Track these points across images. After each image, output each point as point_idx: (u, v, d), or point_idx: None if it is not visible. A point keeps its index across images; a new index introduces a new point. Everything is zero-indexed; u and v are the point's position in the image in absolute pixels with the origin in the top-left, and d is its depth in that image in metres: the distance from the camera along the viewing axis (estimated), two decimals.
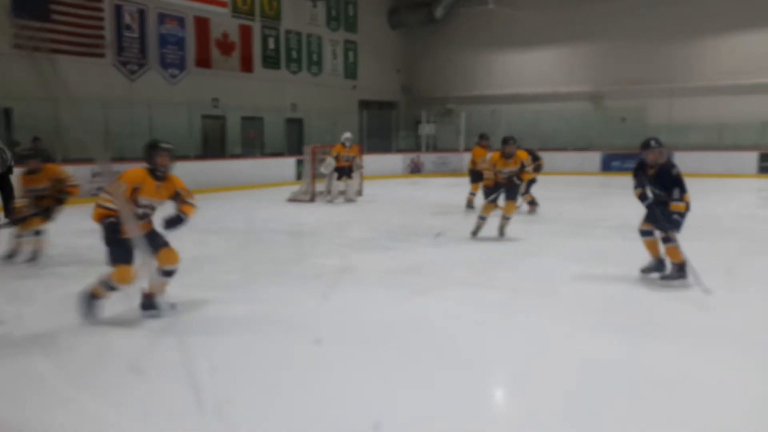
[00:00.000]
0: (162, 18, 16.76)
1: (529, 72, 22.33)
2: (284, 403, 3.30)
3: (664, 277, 5.76)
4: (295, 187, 13.45)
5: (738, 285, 5.68)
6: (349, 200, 12.38)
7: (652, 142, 5.69)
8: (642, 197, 5.78)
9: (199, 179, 13.15)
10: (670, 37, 19.47)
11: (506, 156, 7.78)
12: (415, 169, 20.37)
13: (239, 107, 17.92)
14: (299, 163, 15.63)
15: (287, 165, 16.61)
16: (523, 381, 3.66)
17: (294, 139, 19.15)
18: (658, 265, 5.86)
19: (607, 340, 4.21)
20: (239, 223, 10.10)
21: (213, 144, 17.85)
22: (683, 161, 17.89)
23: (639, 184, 5.80)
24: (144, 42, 16.38)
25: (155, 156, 4.58)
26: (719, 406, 3.24)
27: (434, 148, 21.77)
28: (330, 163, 12.14)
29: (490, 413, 3.32)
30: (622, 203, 12.13)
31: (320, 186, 12.71)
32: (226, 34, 18.38)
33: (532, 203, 10.52)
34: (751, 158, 17.53)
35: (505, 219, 8.05)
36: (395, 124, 22.03)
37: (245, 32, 18.96)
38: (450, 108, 23.21)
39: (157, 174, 4.59)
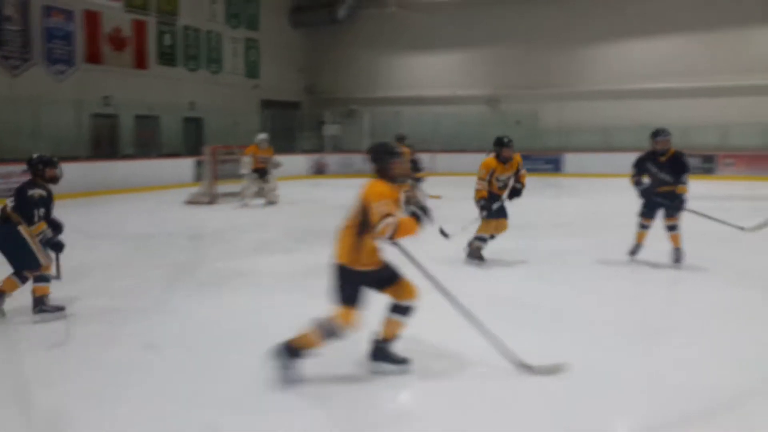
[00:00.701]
0: (47, 10, 15.70)
1: (430, 75, 22.86)
2: (165, 411, 3.18)
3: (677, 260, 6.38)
4: (194, 189, 13.00)
5: (622, 276, 6.07)
6: (271, 202, 12.07)
7: (664, 131, 6.42)
8: (637, 183, 6.43)
9: (89, 181, 12.45)
10: (561, 44, 20.60)
11: (504, 160, 6.59)
12: (320, 170, 20.30)
13: (133, 105, 17.10)
14: (198, 164, 15.14)
15: (185, 166, 16.02)
16: (433, 380, 3.73)
17: (192, 140, 18.53)
18: (637, 248, 6.62)
19: (519, 337, 4.36)
20: (133, 227, 9.63)
21: (104, 144, 16.91)
22: (573, 162, 19.18)
23: (638, 173, 6.48)
24: (28, 36, 15.27)
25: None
26: (594, 391, 3.45)
27: (338, 149, 21.78)
28: (247, 162, 11.81)
29: (384, 415, 3.36)
30: (519, 203, 12.64)
31: (231, 187, 12.34)
32: (118, 29, 17.50)
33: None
34: (633, 159, 18.81)
35: (491, 238, 6.75)
36: (299, 124, 21.84)
37: (139, 27, 18.13)
38: (354, 109, 23.31)
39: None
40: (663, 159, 6.36)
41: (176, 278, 6.17)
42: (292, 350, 3.49)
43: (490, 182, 6.59)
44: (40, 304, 4.67)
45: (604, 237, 8.40)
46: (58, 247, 4.81)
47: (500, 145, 6.54)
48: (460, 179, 18.42)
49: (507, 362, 3.62)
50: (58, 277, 4.88)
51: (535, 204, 12.34)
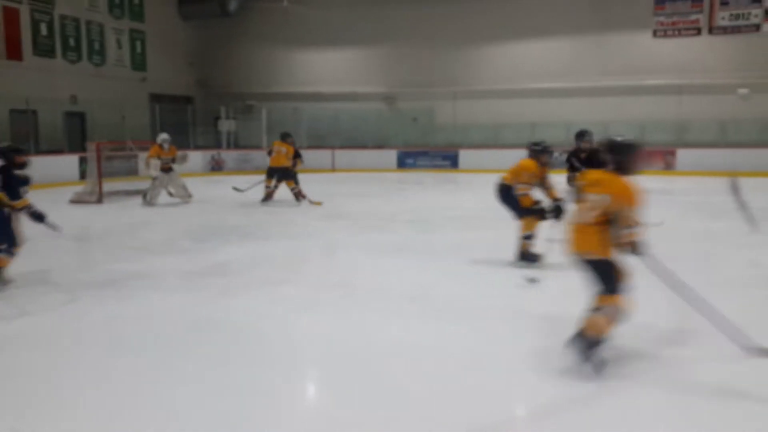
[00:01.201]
0: None
1: (329, 71, 22.78)
2: (71, 419, 2.98)
3: None
4: (79, 188, 12.20)
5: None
6: (187, 200, 11.50)
7: (588, 133, 7.93)
8: (570, 180, 7.43)
9: None
10: (456, 44, 21.20)
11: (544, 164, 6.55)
12: (216, 167, 19.67)
13: (7, 98, 15.77)
14: (82, 160, 14.21)
15: (68, 163, 14.99)
16: (333, 373, 3.73)
17: (75, 135, 17.37)
18: None
19: (411, 326, 4.44)
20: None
21: None
22: (468, 157, 19.82)
23: (570, 168, 7.65)
24: None
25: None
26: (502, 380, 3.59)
27: (235, 145, 21.23)
28: (156, 163, 11.16)
29: (301, 410, 3.33)
30: (417, 199, 13.02)
31: (119, 185, 11.67)
32: None
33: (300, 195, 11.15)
34: (522, 155, 19.70)
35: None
36: (192, 119, 21.03)
37: (10, 15, 16.72)
38: (251, 104, 22.79)
39: None
40: (584, 155, 7.62)
41: (63, 282, 5.77)
42: (588, 342, 3.50)
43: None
44: None
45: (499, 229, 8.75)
46: (42, 217, 5.73)
47: (540, 151, 6.60)
48: (357, 175, 18.59)
49: (739, 348, 3.61)
50: (58, 229, 5.87)
51: (434, 199, 12.70)
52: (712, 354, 3.81)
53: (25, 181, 5.58)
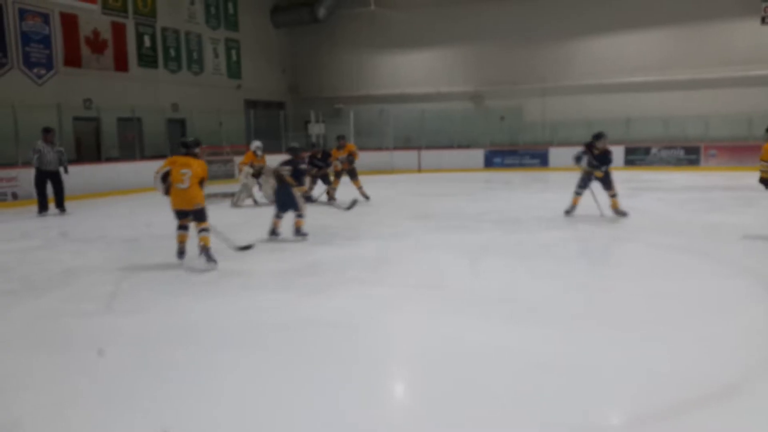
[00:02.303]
0: (22, 13, 15.46)
1: (414, 72, 22.87)
2: (173, 413, 3.16)
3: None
4: None
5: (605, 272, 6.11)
6: (257, 203, 12.12)
7: (604, 135, 9.21)
8: (578, 160, 9.04)
9: (72, 185, 12.28)
10: (543, 40, 20.69)
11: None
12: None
13: (114, 108, 16.91)
14: None
15: None
16: (421, 373, 3.73)
17: (176, 141, 18.32)
18: (573, 209, 9.32)
19: (499, 329, 4.38)
20: (119, 230, 9.52)
21: (87, 147, 16.73)
22: (559, 156, 19.26)
23: (581, 154, 9.04)
24: (4, 39, 15.04)
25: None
26: (602, 386, 3.46)
27: (325, 147, 21.70)
28: (248, 171, 11.91)
29: (389, 409, 3.35)
30: (505, 198, 12.78)
31: (216, 188, 12.32)
32: (96, 32, 17.29)
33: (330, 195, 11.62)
34: (618, 152, 18.96)
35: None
36: (283, 124, 21.72)
37: (118, 29, 17.93)
38: (339, 107, 23.26)
39: None
40: (597, 152, 8.99)
41: (168, 280, 6.11)
42: None
43: None
44: None
45: (588, 230, 8.45)
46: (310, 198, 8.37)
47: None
48: (443, 175, 18.51)
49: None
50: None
51: (522, 199, 12.43)
52: None
53: (303, 172, 8.14)
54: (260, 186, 11.86)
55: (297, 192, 7.92)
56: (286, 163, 8.00)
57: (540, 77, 20.84)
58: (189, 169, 6.63)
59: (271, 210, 11.44)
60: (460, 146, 21.02)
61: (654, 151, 18.61)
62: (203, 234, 6.56)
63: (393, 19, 22.85)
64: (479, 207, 11.28)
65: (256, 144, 12.15)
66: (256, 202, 12.08)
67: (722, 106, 18.29)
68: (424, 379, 3.63)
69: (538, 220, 9.24)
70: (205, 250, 6.50)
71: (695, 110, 18.63)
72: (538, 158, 19.75)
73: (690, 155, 18.17)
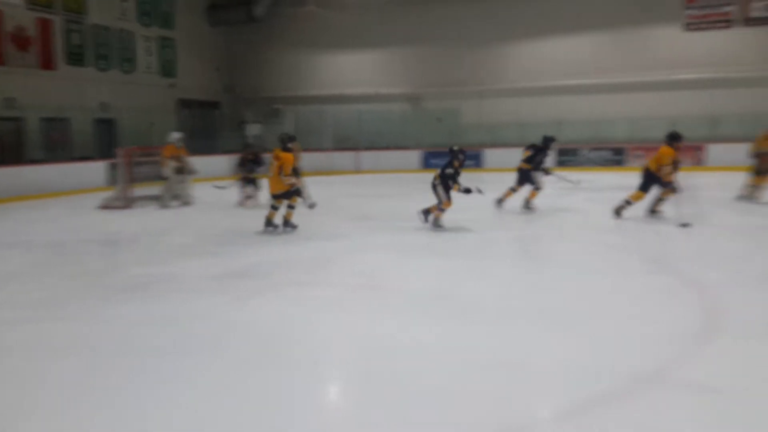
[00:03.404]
0: None
1: (353, 73, 22.89)
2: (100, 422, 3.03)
3: None
4: (108, 194, 12.44)
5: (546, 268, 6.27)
6: (186, 203, 11.90)
7: (555, 139, 10.49)
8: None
9: None
10: (480, 43, 21.10)
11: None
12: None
13: (39, 107, 16.18)
14: (112, 167, 14.48)
15: (98, 169, 15.29)
16: (356, 373, 3.72)
17: (105, 142, 17.71)
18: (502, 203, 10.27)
19: (436, 328, 4.42)
20: (43, 234, 9.10)
21: (9, 148, 15.90)
22: (494, 156, 19.66)
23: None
24: None
25: None
26: (531, 382, 3.55)
27: (262, 149, 21.41)
28: (173, 165, 11.58)
29: (330, 413, 3.33)
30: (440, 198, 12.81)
31: (147, 190, 11.96)
32: (21, 28, 16.49)
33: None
34: (552, 153, 19.53)
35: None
36: (219, 124, 21.30)
37: (44, 26, 17.14)
38: (277, 108, 23.00)
39: None
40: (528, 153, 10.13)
41: (93, 286, 5.88)
42: None
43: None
44: None
45: (522, 229, 8.66)
46: None
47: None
48: (382, 176, 18.59)
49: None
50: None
51: (459, 199, 12.61)
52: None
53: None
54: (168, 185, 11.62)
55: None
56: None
57: (477, 80, 21.23)
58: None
59: (198, 209, 11.29)
60: (398, 147, 21.17)
61: (583, 152, 19.25)
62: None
63: (332, 20, 22.80)
64: (417, 207, 11.36)
65: (176, 135, 11.90)
66: (184, 202, 11.81)
67: (648, 109, 19.13)
68: (363, 380, 3.61)
69: (474, 219, 9.40)
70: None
71: (622, 113, 19.41)
72: (474, 159, 20.10)
73: (617, 156, 18.90)
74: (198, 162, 12.93)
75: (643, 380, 3.44)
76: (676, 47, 19.05)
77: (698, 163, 17.49)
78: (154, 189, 12.10)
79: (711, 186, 12.76)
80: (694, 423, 2.97)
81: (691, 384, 3.40)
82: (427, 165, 20.42)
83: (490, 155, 19.79)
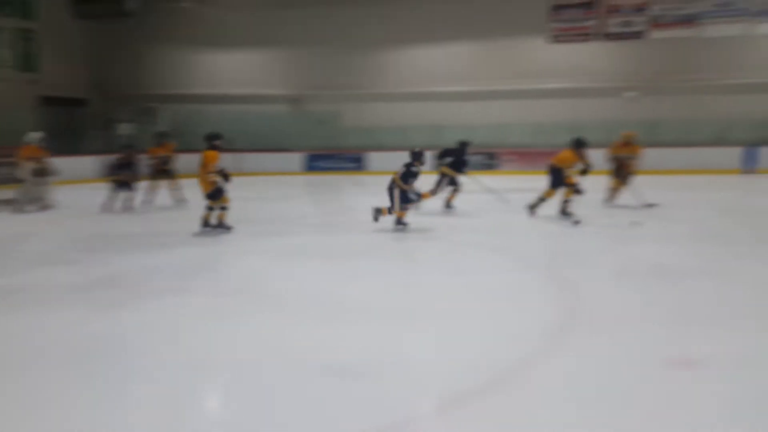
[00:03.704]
0: None
1: (233, 73, 22.34)
2: None
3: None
4: None
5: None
6: (46, 207, 11.03)
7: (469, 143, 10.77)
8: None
9: None
10: (360, 48, 21.35)
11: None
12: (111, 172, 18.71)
13: None
14: None
15: None
16: (230, 382, 3.65)
17: None
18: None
19: (315, 331, 4.41)
20: None
21: None
22: (376, 160, 19.96)
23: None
24: None
25: None
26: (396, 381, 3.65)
27: (135, 149, 20.32)
28: (31, 166, 10.66)
29: (197, 418, 3.23)
30: (324, 201, 12.96)
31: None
32: None
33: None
34: (428, 157, 20.11)
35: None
36: (86, 123, 19.94)
37: None
38: (151, 106, 21.93)
39: None
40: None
41: None
42: None
43: None
44: None
45: (400, 231, 8.87)
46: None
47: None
48: (264, 179, 18.31)
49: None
50: None
51: (341, 202, 12.70)
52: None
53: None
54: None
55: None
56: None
57: (358, 84, 21.46)
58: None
59: (60, 213, 10.54)
60: (280, 149, 20.94)
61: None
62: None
63: (210, 17, 22.11)
64: (299, 210, 11.34)
65: (35, 135, 11.06)
66: (43, 206, 11.00)
67: (518, 116, 20.28)
68: (240, 388, 3.54)
69: (355, 222, 9.50)
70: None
71: (496, 119, 20.42)
72: (356, 162, 20.32)
73: (490, 160, 19.84)
74: (61, 163, 12.05)
75: (504, 375, 3.64)
76: (543, 58, 20.34)
77: None
78: (8, 192, 11.15)
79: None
80: (555, 414, 3.18)
81: (551, 376, 3.64)
82: (310, 168, 20.38)
83: (372, 159, 20.07)
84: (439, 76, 20.91)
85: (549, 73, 20.19)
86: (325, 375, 3.63)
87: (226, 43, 22.12)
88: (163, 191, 11.60)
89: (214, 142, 8.31)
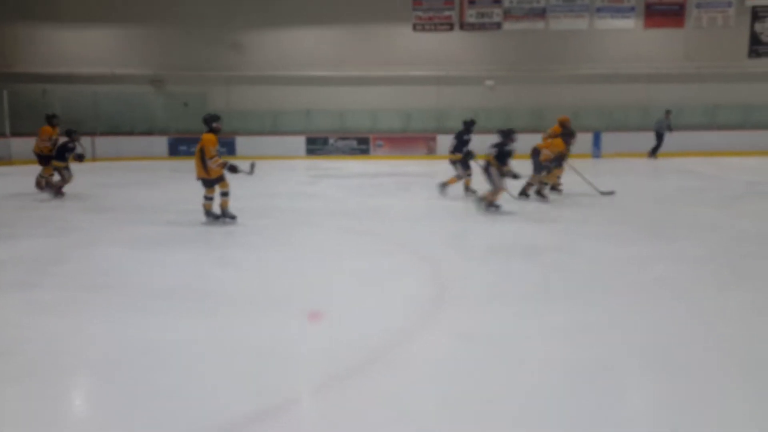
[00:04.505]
0: None
1: (84, 50, 20.62)
2: None
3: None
4: None
5: (287, 251, 6.42)
6: None
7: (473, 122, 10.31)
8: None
9: None
10: (226, 28, 20.55)
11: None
12: None
13: None
14: None
15: None
16: (92, 378, 3.42)
17: None
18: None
19: (185, 323, 4.24)
20: None
21: None
22: (246, 144, 19.47)
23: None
24: None
25: None
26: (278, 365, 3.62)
27: None
28: None
29: (62, 415, 2.99)
30: (191, 187, 12.37)
31: None
32: None
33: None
34: (300, 142, 20.01)
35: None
36: None
37: None
38: None
39: None
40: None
41: None
42: None
43: None
44: None
45: (272, 217, 8.75)
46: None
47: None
48: (124, 164, 17.22)
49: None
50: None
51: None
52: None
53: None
54: None
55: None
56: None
57: (224, 65, 20.71)
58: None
59: None
60: (141, 133, 19.76)
61: (331, 141, 20.09)
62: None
63: None
64: (165, 197, 10.79)
65: None
66: None
67: (387, 102, 20.66)
68: (95, 384, 3.33)
69: (236, 208, 9.20)
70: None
71: (365, 104, 20.68)
72: (226, 147, 19.66)
73: (362, 145, 20.08)
74: None
75: (379, 354, 3.73)
76: (409, 46, 20.82)
77: (431, 153, 19.45)
78: None
79: (439, 173, 14.26)
80: (432, 388, 3.30)
81: (425, 352, 3.78)
82: (175, 152, 19.44)
83: (242, 143, 19.56)
84: (309, 60, 20.72)
85: (415, 61, 20.73)
86: (203, 363, 3.52)
87: (74, 17, 20.36)
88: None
89: (212, 124, 7.70)
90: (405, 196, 11.06)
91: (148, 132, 19.81)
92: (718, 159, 17.20)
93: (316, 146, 19.97)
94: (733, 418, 2.91)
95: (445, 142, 19.45)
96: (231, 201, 7.93)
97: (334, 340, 3.90)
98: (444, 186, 10.11)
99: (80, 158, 10.67)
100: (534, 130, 19.77)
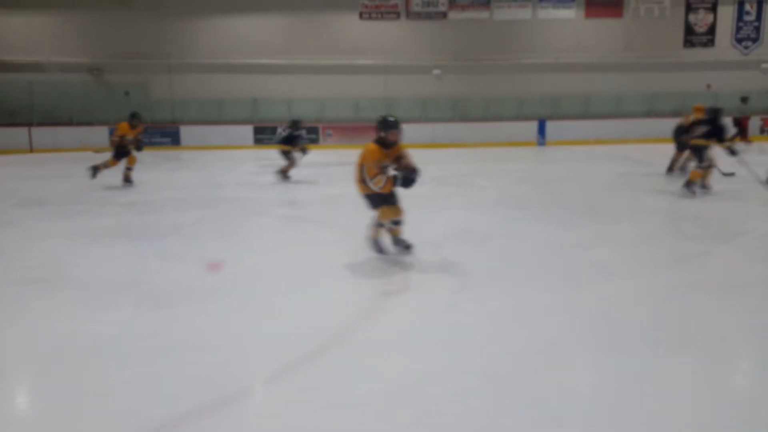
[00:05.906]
0: None
1: (16, 37, 19.73)
2: None
3: None
4: None
5: (237, 248, 6.34)
6: None
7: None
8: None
9: None
10: (167, 15, 20.02)
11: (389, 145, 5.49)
12: None
13: None
14: None
15: None
16: (37, 375, 3.30)
17: None
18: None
19: (128, 316, 4.14)
20: None
21: None
22: (190, 134, 19.04)
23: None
24: None
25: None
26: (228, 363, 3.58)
27: None
28: None
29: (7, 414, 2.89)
30: (135, 178, 12.13)
31: None
32: None
33: None
34: (248, 131, 19.69)
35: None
36: None
37: None
38: None
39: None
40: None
41: None
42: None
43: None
44: None
45: (219, 207, 8.61)
46: None
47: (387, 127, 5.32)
48: (62, 155, 16.59)
49: None
50: None
51: (154, 179, 11.93)
52: None
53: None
54: None
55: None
56: None
57: (166, 53, 20.16)
58: None
59: None
60: (80, 123, 19.06)
61: (279, 130, 19.84)
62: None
63: None
64: (106, 189, 10.45)
65: None
66: None
67: (335, 91, 20.53)
68: (40, 381, 3.22)
69: (169, 200, 9.00)
70: None
71: (314, 93, 20.50)
72: (170, 137, 19.22)
73: (311, 135, 19.90)
74: None
75: (332, 340, 3.74)
76: (356, 35, 20.75)
77: None
78: None
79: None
80: (387, 368, 3.34)
81: (377, 336, 3.82)
82: None
83: (186, 132, 19.12)
84: (255, 48, 20.40)
85: (363, 50, 20.68)
86: (155, 356, 3.46)
87: (4, 2, 19.44)
88: None
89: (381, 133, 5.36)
90: (353, 185, 11.03)
91: (88, 122, 19.13)
92: (656, 146, 17.85)
93: (264, 135, 19.70)
94: (670, 390, 3.05)
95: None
96: (173, 192, 7.74)
97: (281, 331, 3.88)
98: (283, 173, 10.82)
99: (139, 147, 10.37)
100: (488, 119, 20.20)
